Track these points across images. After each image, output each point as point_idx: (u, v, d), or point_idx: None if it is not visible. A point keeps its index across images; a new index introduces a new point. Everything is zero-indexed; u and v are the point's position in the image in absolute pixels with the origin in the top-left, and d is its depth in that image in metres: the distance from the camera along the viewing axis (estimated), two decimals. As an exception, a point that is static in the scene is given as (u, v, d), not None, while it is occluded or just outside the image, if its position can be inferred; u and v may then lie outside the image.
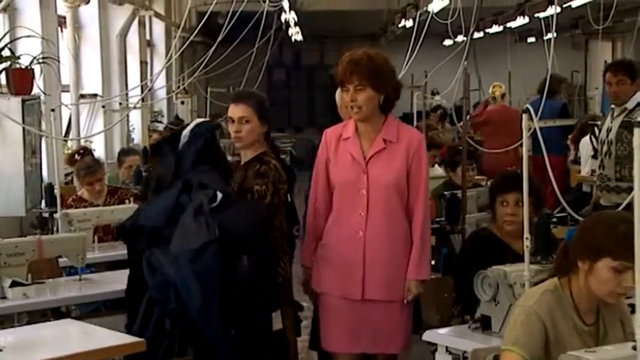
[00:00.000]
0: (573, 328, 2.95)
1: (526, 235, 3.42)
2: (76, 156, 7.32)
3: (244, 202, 4.03)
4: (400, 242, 4.07)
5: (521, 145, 3.53)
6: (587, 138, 9.01)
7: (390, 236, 4.04)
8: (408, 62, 9.61)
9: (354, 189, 4.03)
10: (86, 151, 7.49)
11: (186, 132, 4.09)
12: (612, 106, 6.25)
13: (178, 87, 13.09)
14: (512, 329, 2.94)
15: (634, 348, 2.28)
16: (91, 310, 5.07)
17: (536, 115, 3.52)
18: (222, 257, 3.70)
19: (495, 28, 16.23)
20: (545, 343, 2.89)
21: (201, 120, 4.32)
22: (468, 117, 12.52)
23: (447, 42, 15.22)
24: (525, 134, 3.36)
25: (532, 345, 2.88)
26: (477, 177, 7.24)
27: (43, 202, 6.41)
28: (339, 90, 4.32)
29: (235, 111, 4.18)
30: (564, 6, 12.03)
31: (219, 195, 3.84)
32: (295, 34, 16.95)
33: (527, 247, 3.42)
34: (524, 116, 3.33)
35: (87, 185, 6.26)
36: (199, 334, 3.72)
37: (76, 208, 6.03)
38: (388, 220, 4.03)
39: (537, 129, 3.42)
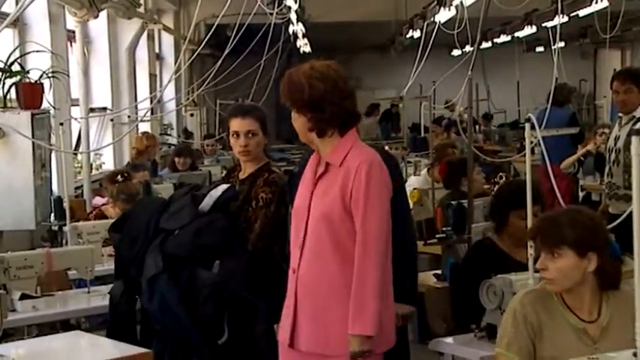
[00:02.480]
0: (566, 325, 3.04)
1: (530, 243, 3.43)
2: (119, 177, 7.35)
3: (197, 221, 4.00)
4: (335, 285, 3.33)
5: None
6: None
7: (321, 277, 3.35)
8: (415, 72, 9.65)
9: (301, 218, 3.43)
10: (129, 176, 7.55)
11: None
12: (620, 114, 6.26)
13: (187, 99, 13.14)
14: (505, 331, 3.09)
15: (634, 354, 2.30)
16: (100, 323, 5.10)
17: (541, 124, 3.54)
18: (175, 279, 3.81)
19: (503, 38, 16.26)
20: (533, 341, 3.04)
21: None
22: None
23: (456, 52, 15.25)
24: (528, 144, 3.38)
25: (523, 346, 3.03)
26: (485, 186, 7.20)
27: (53, 215, 6.45)
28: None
29: (242, 125, 4.14)
30: (572, 15, 12.04)
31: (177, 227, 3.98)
32: (303, 45, 16.99)
33: (531, 255, 3.44)
34: (527, 126, 3.35)
35: (120, 210, 6.33)
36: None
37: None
38: (319, 257, 3.36)
39: (540, 139, 3.43)
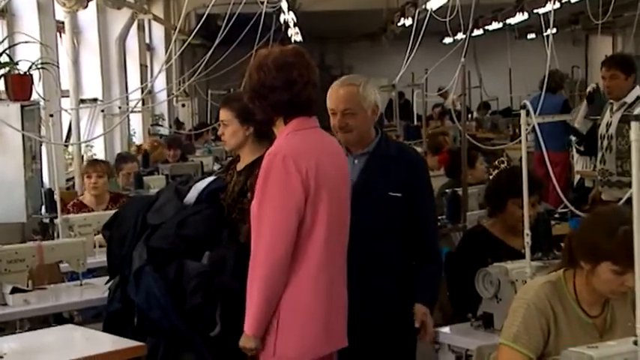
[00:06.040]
0: (576, 320, 2.95)
1: (526, 231, 3.40)
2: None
3: (180, 213, 3.94)
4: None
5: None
6: None
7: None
8: (407, 60, 9.61)
9: None
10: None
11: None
12: (611, 100, 6.25)
13: (178, 90, 13.08)
14: (513, 323, 2.94)
15: (635, 343, 2.28)
16: (93, 316, 5.06)
17: (534, 111, 3.51)
18: (162, 272, 3.75)
19: (495, 25, 16.23)
20: (546, 336, 2.91)
21: None
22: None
23: (447, 40, 15.21)
24: (524, 131, 3.35)
25: (533, 340, 2.89)
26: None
27: (44, 207, 6.41)
28: None
29: (220, 115, 4.22)
30: (563, 1, 12.02)
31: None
32: (295, 34, 16.92)
33: (527, 243, 3.41)
34: (522, 113, 3.32)
35: (86, 177, 6.31)
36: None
37: (75, 213, 6.04)
38: None
39: (536, 125, 3.40)
